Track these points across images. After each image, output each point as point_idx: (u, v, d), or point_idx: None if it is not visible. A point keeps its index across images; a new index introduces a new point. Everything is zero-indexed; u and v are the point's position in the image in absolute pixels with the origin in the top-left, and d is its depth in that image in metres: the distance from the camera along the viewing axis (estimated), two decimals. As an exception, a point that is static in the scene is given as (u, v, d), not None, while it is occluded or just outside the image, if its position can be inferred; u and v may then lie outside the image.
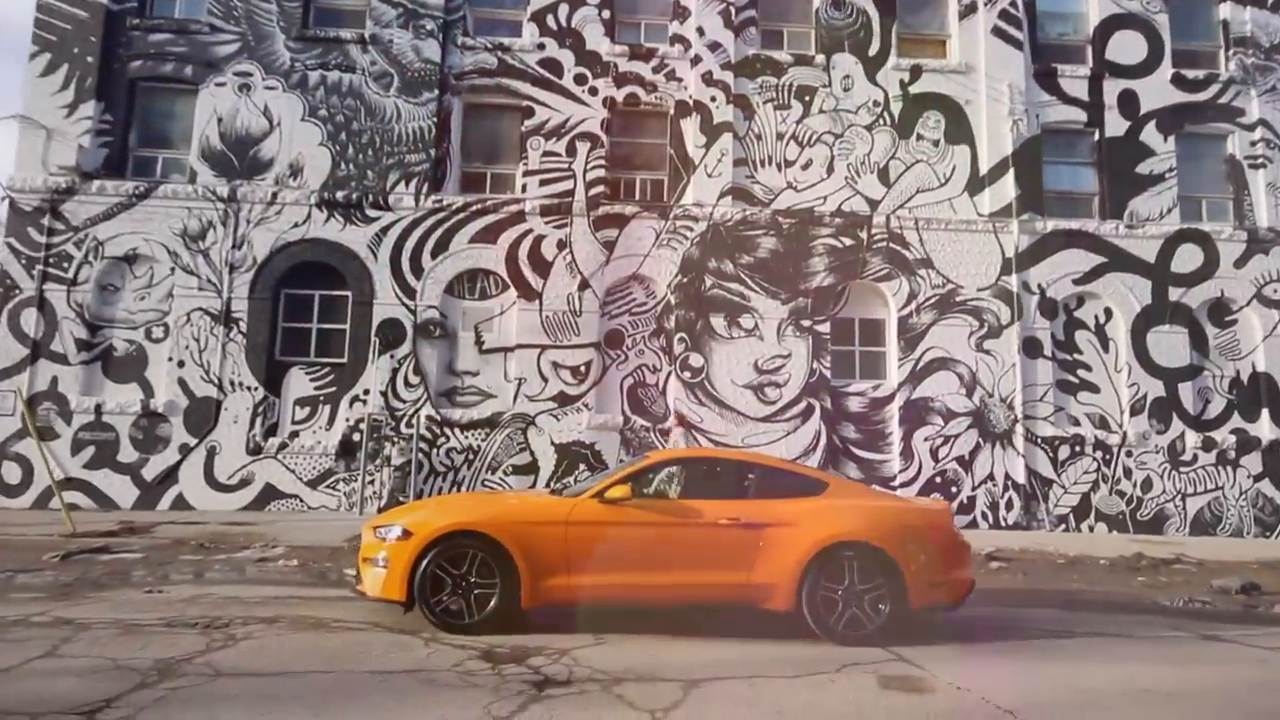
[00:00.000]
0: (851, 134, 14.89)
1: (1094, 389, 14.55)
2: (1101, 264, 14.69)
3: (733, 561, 5.78)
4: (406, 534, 5.77)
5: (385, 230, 14.07)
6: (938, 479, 14.05)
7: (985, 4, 15.29)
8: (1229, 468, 14.34)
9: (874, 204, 14.70)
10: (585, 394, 13.89)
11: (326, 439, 13.54)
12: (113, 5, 14.22)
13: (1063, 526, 14.05)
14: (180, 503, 13.14)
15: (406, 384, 13.77)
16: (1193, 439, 14.34)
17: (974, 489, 14.09)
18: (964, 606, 6.17)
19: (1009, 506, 14.05)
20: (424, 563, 5.66)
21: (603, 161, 14.59)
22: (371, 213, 14.07)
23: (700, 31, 14.94)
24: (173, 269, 13.68)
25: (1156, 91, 15.22)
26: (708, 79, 14.85)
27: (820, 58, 15.06)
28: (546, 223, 14.27)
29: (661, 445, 13.72)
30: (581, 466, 13.64)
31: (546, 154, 14.55)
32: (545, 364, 13.94)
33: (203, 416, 13.41)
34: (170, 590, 7.15)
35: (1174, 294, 14.71)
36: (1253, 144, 15.33)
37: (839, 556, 5.75)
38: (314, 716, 3.92)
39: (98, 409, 13.25)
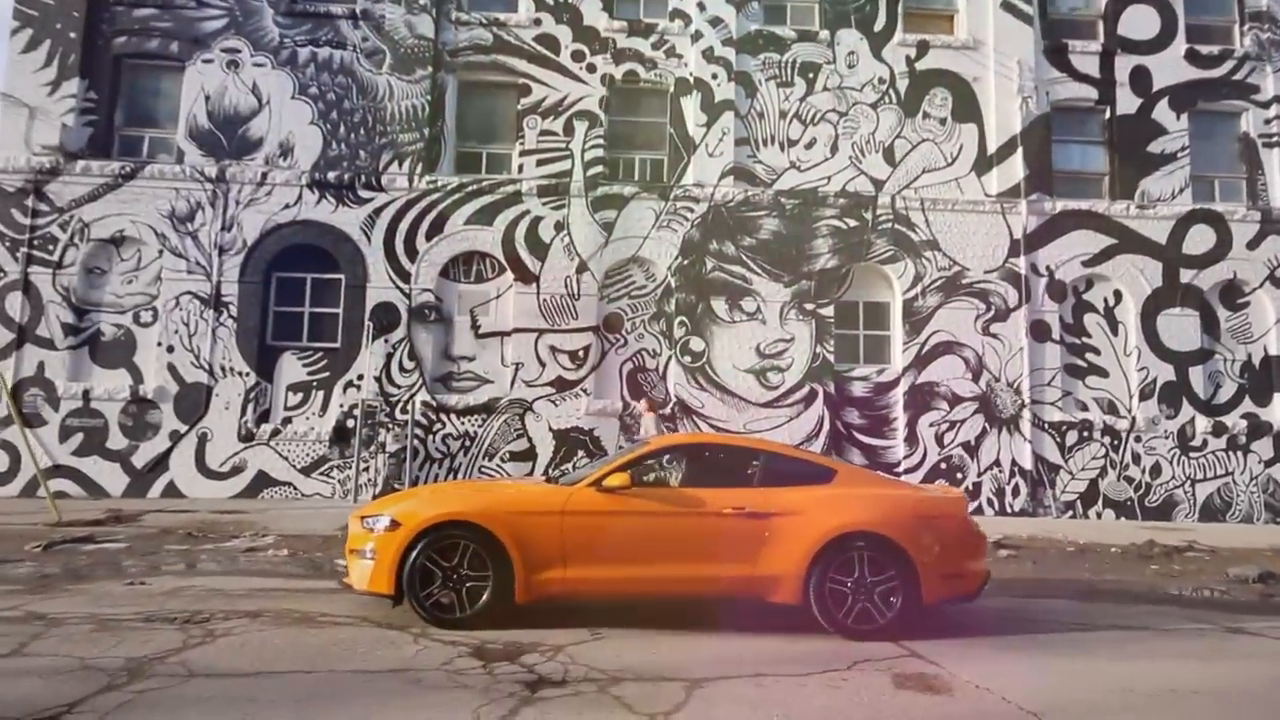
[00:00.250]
0: (856, 112, 14.51)
1: (1103, 373, 14.26)
2: (1111, 245, 14.36)
3: (737, 553, 5.51)
4: (394, 524, 5.50)
5: (378, 212, 13.73)
6: (943, 465, 13.79)
7: (994, -22, 14.87)
8: (1239, 453, 14.09)
9: (879, 184, 14.35)
10: (584, 379, 13.61)
11: (320, 425, 13.27)
12: (96, -21, 13.81)
13: (1070, 513, 13.81)
14: (171, 490, 12.89)
15: (401, 369, 13.49)
16: (1203, 424, 14.08)
17: (980, 475, 13.84)
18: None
19: (1015, 493, 13.81)
20: (413, 554, 5.39)
21: (601, 141, 14.22)
22: (364, 194, 13.73)
23: (701, 6, 14.53)
24: (160, 251, 13.35)
25: (1169, 68, 14.83)
26: (709, 55, 14.45)
27: (824, 33, 14.65)
28: (544, 204, 13.93)
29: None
30: (580, 453, 13.37)
31: (543, 133, 14.18)
32: (543, 348, 13.64)
33: (193, 403, 13.13)
34: (153, 582, 6.89)
35: (1185, 276, 14.39)
36: (1267, 122, 14.96)
37: (848, 547, 5.48)
38: (290, 722, 3.66)
39: (85, 395, 12.97)
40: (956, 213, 14.30)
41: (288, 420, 13.29)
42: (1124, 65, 14.79)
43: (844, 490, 5.76)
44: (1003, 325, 14.12)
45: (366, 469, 13.15)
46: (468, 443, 13.40)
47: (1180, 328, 14.27)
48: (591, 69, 14.33)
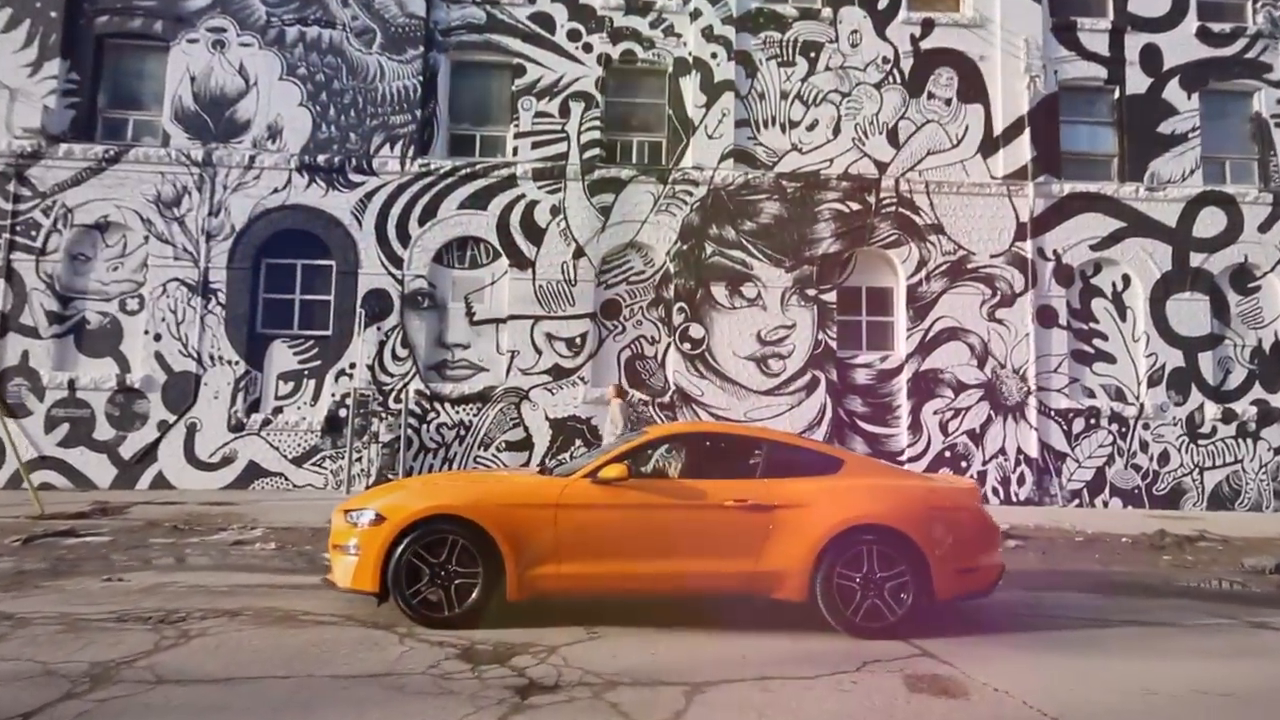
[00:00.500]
0: (859, 92, 14.15)
1: (1110, 359, 13.98)
2: (1120, 229, 14.05)
3: (739, 547, 5.24)
4: (379, 518, 5.23)
5: (370, 196, 13.39)
6: (947, 453, 13.54)
7: (1001, -47, 14.47)
8: (1249, 440, 13.83)
9: (882, 166, 14.01)
10: (581, 367, 13.32)
11: (311, 415, 12.99)
12: (77, -43, 13.40)
13: (1076, 502, 13.57)
14: (160, 482, 12.62)
15: (394, 357, 13.20)
16: (1212, 410, 13.81)
17: (985, 463, 13.58)
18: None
19: (1021, 481, 13.56)
20: (399, 550, 5.12)
21: (598, 123, 13.87)
22: (355, 177, 13.39)
23: (700, -16, 14.13)
24: (146, 237, 13.02)
25: (1180, 46, 14.46)
26: (708, 34, 14.07)
27: (827, 11, 14.26)
28: (539, 187, 13.59)
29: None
30: (577, 442, 13.11)
31: (539, 115, 13.82)
32: (539, 335, 13.35)
33: (181, 392, 12.84)
34: (132, 578, 6.63)
35: (1195, 260, 14.08)
36: (1279, 101, 14.61)
37: (857, 541, 5.21)
38: (260, 734, 3.40)
39: (71, 384, 12.68)
40: (962, 195, 13.97)
41: (279, 410, 13.01)
42: (1134, 43, 14.41)
43: (851, 481, 5.49)
44: (1008, 311, 13.82)
45: (359, 459, 12.88)
46: (463, 432, 13.12)
47: (1190, 312, 13.98)
48: (588, 48, 13.96)
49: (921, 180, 13.95)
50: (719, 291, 13.60)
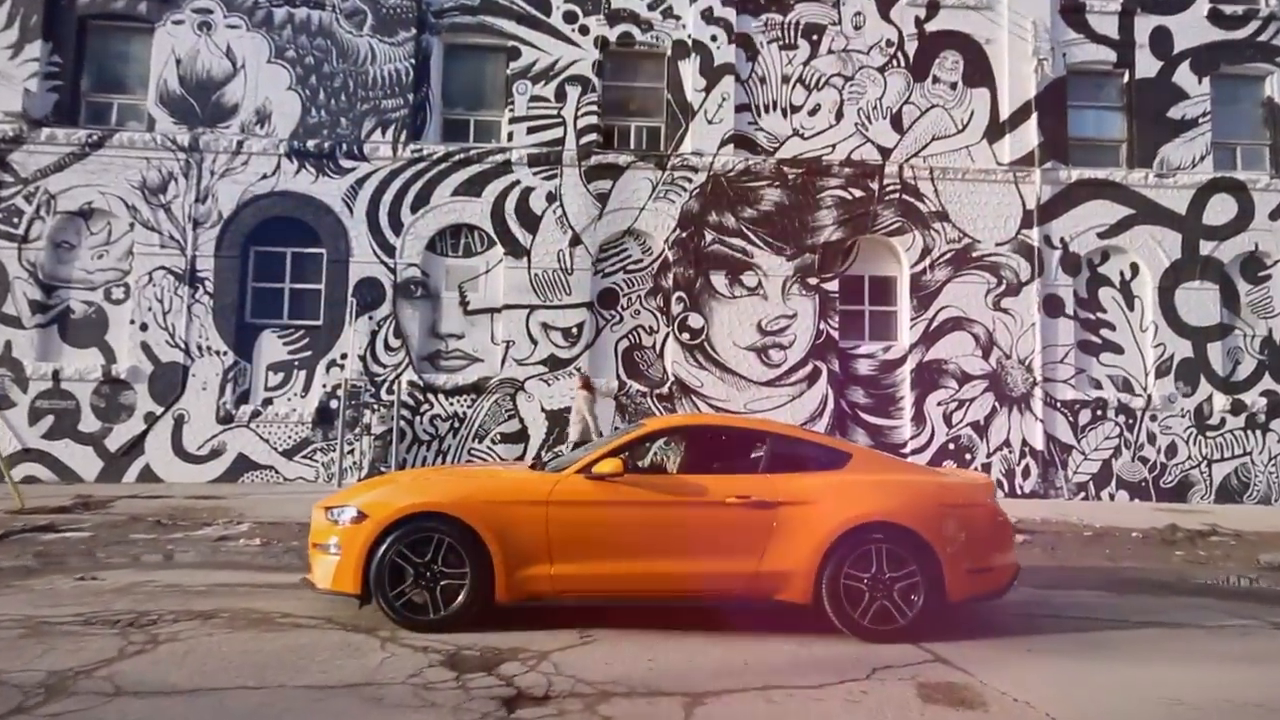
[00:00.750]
0: (862, 76, 13.81)
1: (1118, 350, 13.70)
2: (1129, 216, 13.74)
3: (741, 546, 4.97)
4: (361, 516, 4.95)
5: (361, 182, 13.06)
6: (951, 445, 13.28)
7: (1008, -67, 14.09)
8: (1258, 432, 13.58)
9: (886, 152, 13.69)
10: (578, 357, 13.03)
11: (302, 406, 12.71)
12: (58, -65, 13.02)
13: (1082, 495, 13.32)
14: (147, 475, 12.35)
15: (387, 347, 12.90)
16: (1221, 402, 13.55)
17: (989, 456, 13.32)
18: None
19: (1026, 474, 13.30)
20: (381, 549, 4.85)
21: (595, 107, 13.53)
22: (346, 163, 13.06)
23: (699, -36, 13.77)
24: (132, 224, 12.70)
25: (1191, 28, 14.11)
26: (708, 16, 13.71)
27: (829, -7, 13.91)
28: (535, 174, 13.27)
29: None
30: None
31: (534, 99, 13.48)
32: (535, 325, 13.05)
33: (169, 383, 12.54)
34: (107, 576, 6.36)
35: (1205, 248, 13.79)
36: (1292, 86, 14.30)
37: (865, 540, 4.94)
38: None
39: (55, 375, 12.38)
40: (967, 182, 13.66)
41: (268, 401, 12.72)
42: (1144, 26, 14.06)
43: (860, 476, 5.21)
44: (1014, 300, 13.54)
45: (351, 452, 12.60)
46: (457, 424, 12.84)
47: (1199, 302, 13.69)
48: (584, 31, 13.60)
49: (926, 166, 13.64)
50: (719, 280, 13.30)
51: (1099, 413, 13.47)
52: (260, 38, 13.14)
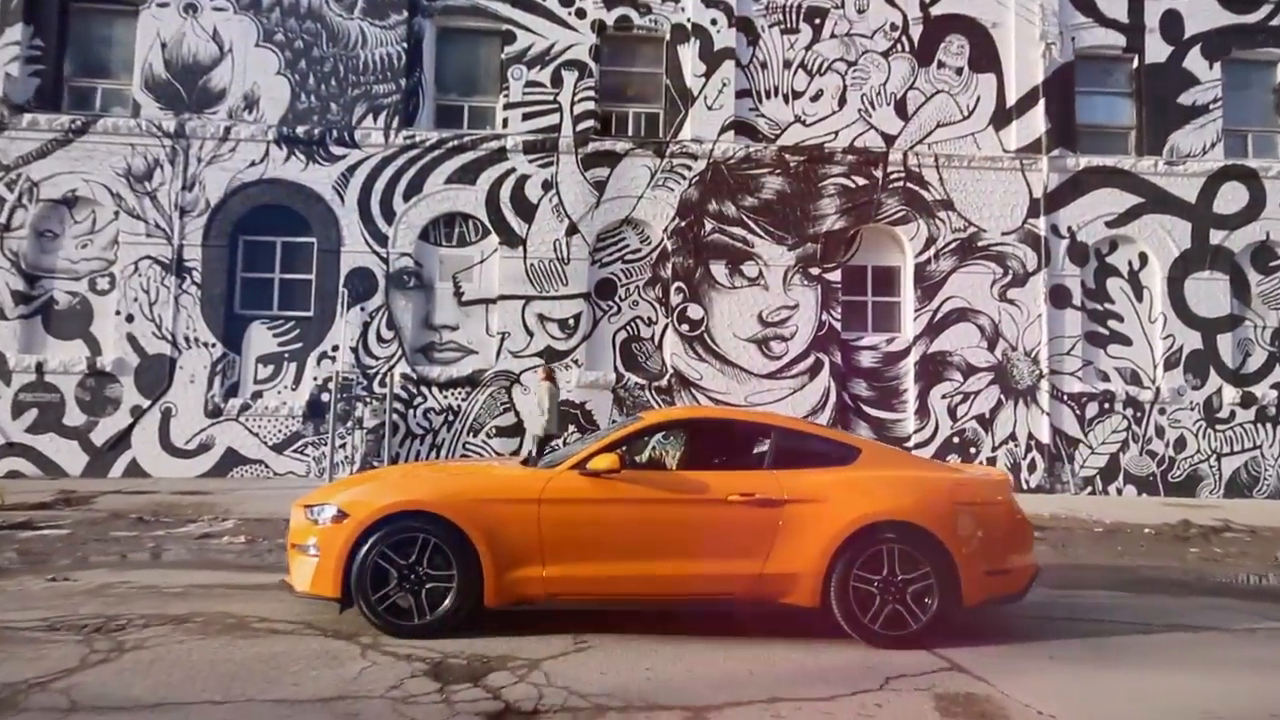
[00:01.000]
0: (866, 61, 13.48)
1: (1126, 341, 13.43)
2: (1138, 204, 13.44)
3: (744, 547, 4.69)
4: (341, 515, 4.66)
5: (352, 170, 12.74)
6: (955, 439, 13.01)
7: (1015, -85, 13.75)
8: (1268, 425, 13.31)
9: (890, 139, 13.37)
10: (575, 349, 12.74)
11: (293, 400, 12.42)
12: (39, -85, 12.65)
13: (1089, 489, 13.07)
14: (134, 470, 12.06)
15: (379, 339, 12.61)
16: (1230, 394, 13.28)
17: (994, 450, 13.06)
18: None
19: (1031, 468, 13.04)
20: (363, 551, 4.56)
21: (592, 93, 13.20)
22: (336, 150, 12.73)
23: (699, -54, 13.41)
24: (117, 213, 12.38)
25: (1203, 12, 13.78)
26: (707, -1, 13.38)
27: (832, -25, 13.56)
28: (530, 161, 12.95)
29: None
30: (571, 428, 12.54)
31: (529, 84, 13.15)
32: (530, 316, 12.76)
33: (156, 376, 12.25)
34: (80, 577, 6.07)
35: (1215, 237, 13.50)
36: (1305, 72, 13.99)
37: (876, 540, 4.66)
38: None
39: (39, 368, 12.07)
40: (973, 170, 13.35)
41: (258, 394, 12.43)
42: (1154, 9, 13.73)
43: (870, 472, 4.93)
44: (1020, 290, 13.25)
45: (343, 446, 12.31)
46: (451, 417, 12.56)
47: (1209, 292, 13.41)
48: (581, 14, 13.25)
49: (930, 154, 13.33)
50: (718, 270, 13.00)
51: (1106, 406, 13.20)
52: (248, 20, 12.79)
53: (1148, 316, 13.47)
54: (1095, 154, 13.55)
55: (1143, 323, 13.46)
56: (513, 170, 12.91)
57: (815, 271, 13.11)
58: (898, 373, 13.24)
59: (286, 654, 4.21)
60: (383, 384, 12.42)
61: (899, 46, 13.52)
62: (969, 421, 13.08)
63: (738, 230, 13.08)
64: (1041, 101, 13.45)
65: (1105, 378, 13.34)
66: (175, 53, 12.68)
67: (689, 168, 13.09)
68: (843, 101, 13.41)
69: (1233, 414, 13.28)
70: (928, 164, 13.31)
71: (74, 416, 12.10)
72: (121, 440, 12.13)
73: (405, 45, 12.97)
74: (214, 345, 12.37)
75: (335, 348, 12.51)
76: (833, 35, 13.47)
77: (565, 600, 4.69)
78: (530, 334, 12.72)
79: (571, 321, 12.78)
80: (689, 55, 13.33)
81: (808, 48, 13.44)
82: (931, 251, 13.24)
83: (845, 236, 13.27)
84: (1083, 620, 5.45)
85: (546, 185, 12.93)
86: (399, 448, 12.43)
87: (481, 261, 12.92)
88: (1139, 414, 13.22)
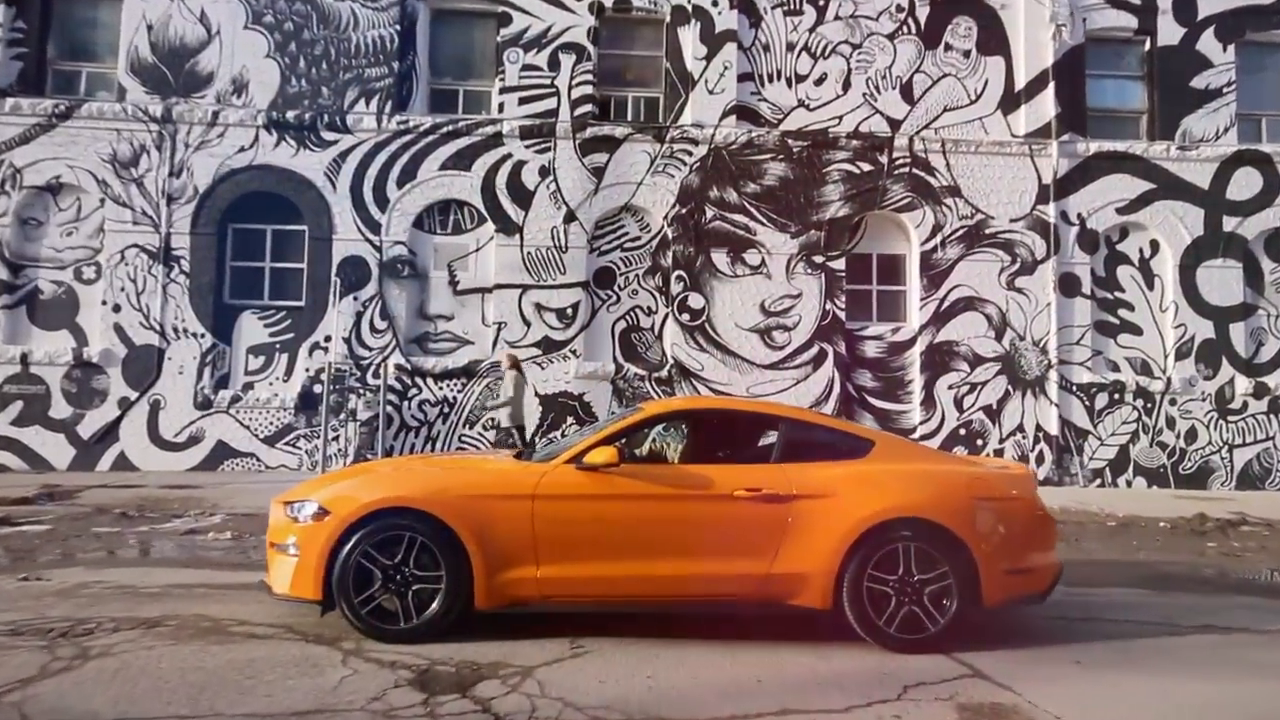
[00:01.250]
0: (871, 44, 13.13)
1: (1136, 331, 13.13)
2: (1149, 191, 13.12)
3: (751, 545, 4.41)
4: (323, 512, 4.39)
5: (344, 155, 12.41)
6: (962, 431, 12.73)
7: (1025, -108, 13.37)
8: (1281, 416, 13.03)
9: (895, 124, 13.03)
10: (573, 339, 12.44)
11: (284, 391, 12.13)
12: (20, -107, 12.29)
13: (1098, 481, 12.80)
14: (122, 463, 11.78)
15: (372, 329, 12.31)
16: (1243, 385, 12.99)
17: (1001, 441, 12.78)
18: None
19: (1040, 460, 12.76)
20: (345, 550, 4.29)
21: (590, 77, 12.86)
22: (328, 135, 12.40)
23: (700, -75, 13.05)
24: (102, 200, 12.06)
25: (1216, -7, 13.43)
26: (709, -20, 13.01)
27: (836, -45, 13.20)
28: (527, 147, 12.62)
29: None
30: (569, 420, 12.27)
31: (526, 68, 12.80)
32: (527, 306, 12.45)
33: (144, 367, 11.95)
34: (54, 576, 5.81)
35: (1228, 224, 13.18)
36: (1321, 54, 13.64)
37: (892, 538, 4.39)
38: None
39: (24, 359, 11.78)
40: (980, 155, 13.02)
41: (249, 386, 12.14)
42: (1167, -11, 13.39)
43: (885, 466, 4.65)
44: (1029, 279, 12.94)
45: (336, 438, 12.04)
46: (446, 409, 12.27)
47: (1221, 280, 13.10)
48: (579, -5, 12.90)
49: (937, 139, 12.99)
50: (720, 258, 12.69)
51: (1116, 396, 12.92)
52: (236, 2, 12.43)
53: (1159, 305, 13.17)
54: (1106, 139, 13.22)
55: (1154, 312, 13.17)
56: (509, 156, 12.59)
57: (819, 260, 12.81)
58: (903, 363, 12.95)
59: (263, 661, 3.94)
60: (376, 375, 12.13)
61: (905, 28, 13.17)
62: (976, 413, 12.80)
63: (740, 217, 12.77)
64: (1051, 85, 13.11)
65: (1115, 368, 13.06)
66: (161, 35, 12.33)
67: (690, 153, 12.77)
68: (847, 85, 13.07)
69: (1245, 405, 13.00)
70: (934, 149, 12.98)
71: (60, 409, 11.81)
72: (109, 433, 11.84)
73: (398, 27, 12.62)
74: (203, 336, 12.08)
75: (328, 338, 12.21)
76: (837, 17, 13.12)
77: (560, 602, 4.42)
78: (527, 324, 12.43)
79: (569, 311, 12.48)
80: (689, 37, 12.99)
81: (811, 30, 13.09)
82: (938, 239, 12.93)
83: (849, 224, 12.96)
84: (1105, 620, 5.18)
85: (544, 171, 12.61)
86: (393, 440, 12.16)
87: (477, 250, 12.62)
88: (1149, 405, 12.94)
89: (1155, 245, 13.20)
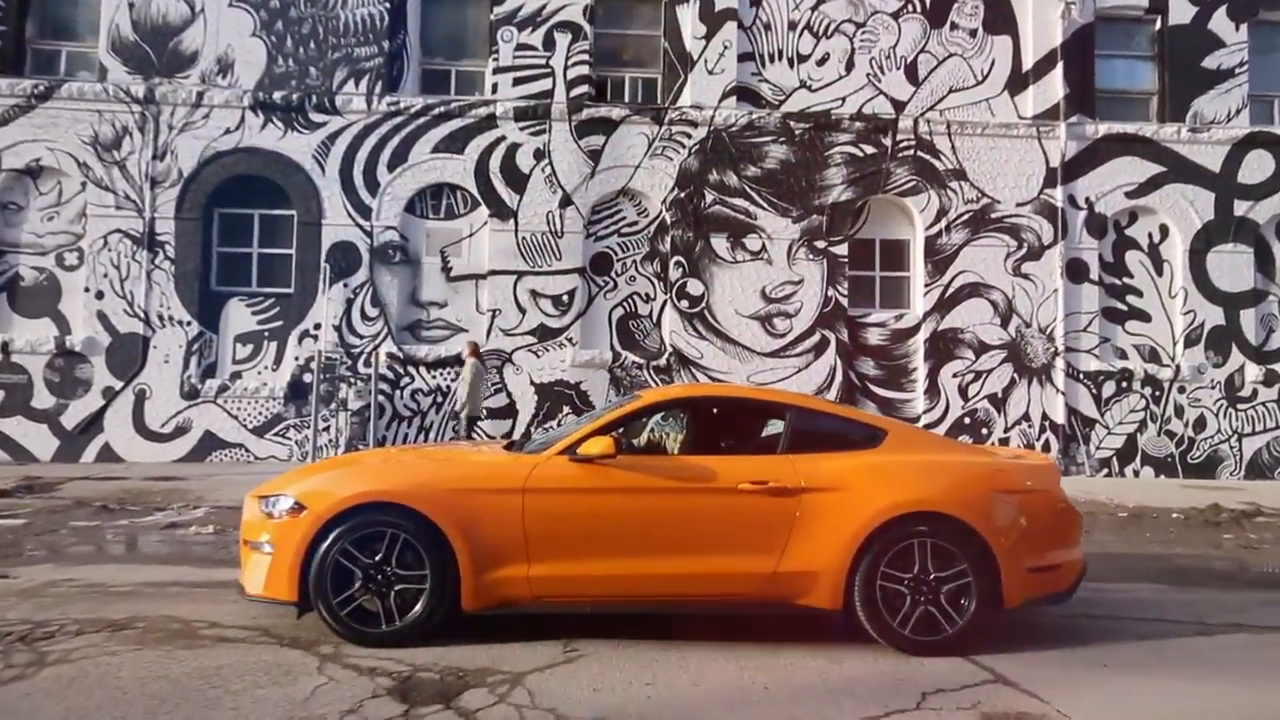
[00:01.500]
0: (875, 23, 12.78)
1: (1145, 317, 12.86)
2: (1159, 174, 12.82)
3: (756, 542, 4.13)
4: (299, 507, 4.10)
5: (333, 138, 12.07)
6: (967, 419, 12.48)
7: None
8: (1291, 404, 12.78)
9: (900, 105, 12.71)
10: (569, 327, 12.15)
11: (273, 380, 11.84)
12: None
13: (1105, 471, 12.56)
14: (107, 454, 11.50)
15: (363, 317, 12.01)
16: (1253, 372, 12.74)
17: (1007, 430, 12.54)
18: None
19: (1046, 450, 12.50)
20: (323, 548, 4.00)
21: (586, 56, 12.50)
22: (316, 117, 12.05)
23: (699, -101, 12.66)
24: (84, 184, 11.73)
25: (1229, -30, 13.09)
26: (708, -44, 12.64)
27: (840, -69, 12.82)
28: (522, 129, 12.28)
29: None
30: (565, 409, 11.99)
31: (520, 48, 12.44)
32: (523, 292, 12.15)
33: (128, 356, 11.66)
34: (21, 573, 5.52)
35: (1239, 208, 12.89)
36: (1335, 34, 13.31)
37: (906, 534, 4.11)
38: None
39: (5, 348, 11.48)
40: (986, 137, 12.71)
41: (237, 375, 11.85)
42: (1179, -33, 13.04)
43: (898, 457, 4.36)
44: (1035, 264, 12.65)
45: (327, 428, 11.75)
46: (439, 399, 11.99)
47: (1232, 266, 12.83)
48: (574, -28, 12.52)
49: (942, 121, 12.67)
50: (720, 244, 12.39)
51: (1124, 384, 12.67)
52: (220, -21, 12.05)
53: (1168, 291, 12.90)
54: (1115, 120, 12.91)
55: (1162, 298, 12.90)
56: (503, 138, 12.25)
57: (821, 245, 12.50)
58: (907, 350, 12.68)
59: (232, 668, 3.66)
60: (368, 363, 11.84)
61: (910, 7, 12.82)
62: (981, 401, 12.54)
63: (740, 201, 12.45)
64: (1059, 65, 12.78)
65: (1123, 355, 12.80)
66: (144, 13, 11.95)
67: (689, 135, 12.44)
68: (850, 65, 12.73)
69: (1255, 393, 12.76)
70: (939, 131, 12.66)
71: (43, 399, 11.52)
72: (93, 423, 11.56)
73: (388, 5, 12.25)
74: (189, 323, 11.77)
75: (317, 326, 11.91)
76: (840, -5, 12.76)
77: (553, 603, 4.14)
78: (522, 311, 12.13)
79: (565, 298, 12.18)
80: (689, 16, 12.63)
81: (814, 8, 12.73)
82: (943, 224, 12.63)
83: (852, 208, 12.65)
84: (1130, 619, 4.92)
85: (538, 154, 12.28)
86: (385, 430, 11.88)
87: (471, 235, 12.30)
88: (1158, 393, 12.68)
89: (1165, 230, 12.92)
